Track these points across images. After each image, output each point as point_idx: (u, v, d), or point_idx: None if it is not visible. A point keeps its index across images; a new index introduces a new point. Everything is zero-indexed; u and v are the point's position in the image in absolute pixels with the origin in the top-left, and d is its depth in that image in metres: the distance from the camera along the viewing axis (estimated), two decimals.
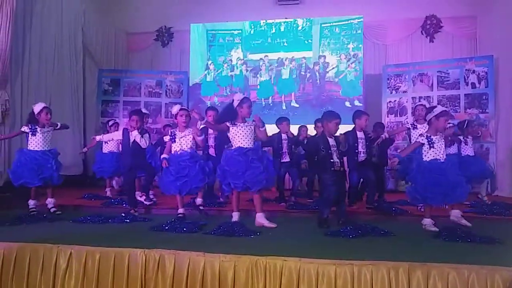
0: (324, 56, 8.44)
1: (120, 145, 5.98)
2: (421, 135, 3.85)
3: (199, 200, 4.24)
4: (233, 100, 4.04)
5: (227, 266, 2.64)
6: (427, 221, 3.72)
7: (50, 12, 7.04)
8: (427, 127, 4.00)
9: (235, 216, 3.92)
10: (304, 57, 8.51)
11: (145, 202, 4.90)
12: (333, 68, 8.37)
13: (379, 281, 2.46)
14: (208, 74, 8.89)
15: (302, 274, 2.54)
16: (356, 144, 4.91)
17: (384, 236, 3.41)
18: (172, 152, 4.25)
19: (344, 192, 4.07)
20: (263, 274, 2.58)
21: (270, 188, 4.96)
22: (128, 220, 4.08)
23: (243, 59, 8.80)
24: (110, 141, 6.01)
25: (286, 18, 8.47)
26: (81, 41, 7.86)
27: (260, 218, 3.88)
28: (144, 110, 5.95)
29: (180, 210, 4.24)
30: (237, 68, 8.84)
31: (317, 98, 8.38)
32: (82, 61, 7.94)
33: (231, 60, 8.87)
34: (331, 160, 3.91)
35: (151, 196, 5.29)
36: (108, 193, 6.12)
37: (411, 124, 5.16)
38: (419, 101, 7.36)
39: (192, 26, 8.72)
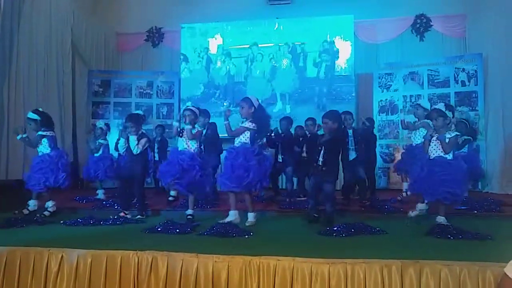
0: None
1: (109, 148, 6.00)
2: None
3: (189, 211, 4.23)
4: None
5: (220, 267, 2.63)
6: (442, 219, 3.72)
7: (39, 12, 6.94)
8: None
9: (232, 215, 3.93)
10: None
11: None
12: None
13: (372, 279, 2.47)
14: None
15: (296, 273, 2.54)
16: (347, 141, 5.01)
17: (377, 235, 3.42)
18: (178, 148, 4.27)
19: (329, 192, 4.07)
20: (256, 274, 2.58)
21: (259, 190, 4.91)
22: (120, 222, 4.05)
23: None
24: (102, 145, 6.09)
25: (277, 18, 8.46)
26: (70, 42, 7.76)
27: (251, 217, 3.96)
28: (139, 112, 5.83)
29: (189, 211, 4.22)
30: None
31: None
32: (71, 62, 7.84)
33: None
34: (317, 157, 4.04)
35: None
36: (100, 196, 6.06)
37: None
38: (410, 100, 7.43)
39: (183, 26, 8.67)
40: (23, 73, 6.57)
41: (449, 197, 3.63)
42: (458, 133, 3.89)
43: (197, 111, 4.39)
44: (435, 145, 3.79)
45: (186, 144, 4.24)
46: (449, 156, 3.72)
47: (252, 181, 3.84)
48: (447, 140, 3.72)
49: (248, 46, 8.03)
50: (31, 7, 6.74)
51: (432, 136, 3.83)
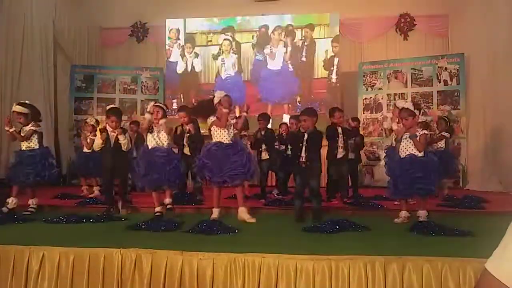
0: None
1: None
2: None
3: (167, 200, 4.21)
4: (214, 96, 4.09)
5: (205, 264, 2.61)
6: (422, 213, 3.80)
7: (19, 4, 6.77)
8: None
9: (215, 213, 3.92)
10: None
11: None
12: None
13: (356, 275, 2.49)
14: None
15: (281, 270, 2.54)
16: (337, 139, 5.02)
17: (361, 231, 3.46)
18: (149, 146, 4.19)
19: (315, 188, 4.11)
20: (241, 271, 2.57)
21: (252, 181, 4.97)
22: (103, 220, 4.00)
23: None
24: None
25: (263, 14, 8.45)
26: (52, 36, 7.60)
27: (242, 213, 3.94)
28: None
29: (157, 208, 4.18)
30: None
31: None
32: (53, 56, 7.68)
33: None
34: (299, 154, 4.07)
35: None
36: (84, 192, 5.96)
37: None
38: (394, 98, 7.51)
39: (168, 22, 8.58)
40: (1, 67, 6.40)
41: (422, 193, 3.75)
42: (426, 131, 3.97)
43: (165, 108, 4.37)
44: (405, 144, 3.86)
45: (158, 139, 4.16)
46: (420, 154, 3.80)
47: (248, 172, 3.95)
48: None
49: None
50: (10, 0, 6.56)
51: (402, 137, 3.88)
